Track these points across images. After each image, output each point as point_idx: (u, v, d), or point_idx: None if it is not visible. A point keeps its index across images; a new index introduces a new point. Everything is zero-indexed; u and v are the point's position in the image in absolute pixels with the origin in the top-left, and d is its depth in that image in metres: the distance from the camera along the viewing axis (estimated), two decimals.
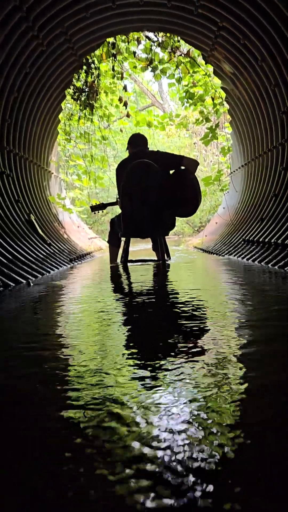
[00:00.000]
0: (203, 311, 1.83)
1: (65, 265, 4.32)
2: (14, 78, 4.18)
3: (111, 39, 5.39)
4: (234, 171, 6.39)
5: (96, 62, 5.50)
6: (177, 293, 2.41)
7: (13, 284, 2.76)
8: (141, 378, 1.02)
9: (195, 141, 12.74)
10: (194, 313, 1.78)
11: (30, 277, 3.11)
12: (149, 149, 4.38)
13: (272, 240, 3.69)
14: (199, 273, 3.76)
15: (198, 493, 0.59)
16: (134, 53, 5.49)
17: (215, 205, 9.81)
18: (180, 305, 1.97)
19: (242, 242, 4.66)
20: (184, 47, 5.57)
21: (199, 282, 3.00)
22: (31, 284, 2.78)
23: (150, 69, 5.52)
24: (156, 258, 4.62)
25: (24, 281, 2.92)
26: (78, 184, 6.99)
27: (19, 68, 4.21)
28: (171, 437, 0.74)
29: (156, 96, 14.33)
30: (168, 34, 5.28)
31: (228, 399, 0.88)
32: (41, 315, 1.91)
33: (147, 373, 1.05)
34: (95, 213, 4.74)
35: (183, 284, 2.88)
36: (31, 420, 0.87)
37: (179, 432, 0.76)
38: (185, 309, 1.86)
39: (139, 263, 4.44)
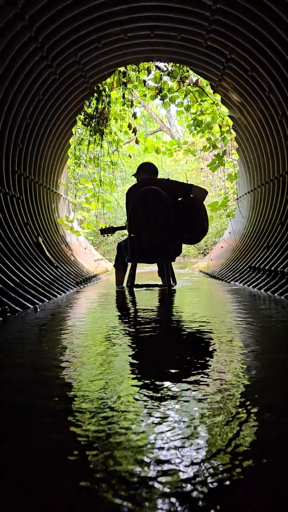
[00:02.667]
0: (209, 341, 1.83)
1: (71, 288, 4.34)
2: (27, 105, 4.30)
3: (122, 68, 5.54)
4: (241, 197, 6.44)
5: (107, 89, 5.64)
6: (183, 322, 2.42)
7: (21, 310, 2.78)
8: (145, 409, 1.03)
9: (202, 167, 12.91)
10: (199, 343, 1.78)
11: (37, 301, 3.13)
12: (158, 177, 4.45)
13: (279, 269, 3.70)
14: (205, 301, 3.76)
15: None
16: (144, 82, 5.64)
17: (220, 228, 9.86)
18: (186, 335, 1.98)
19: (248, 269, 4.67)
20: (193, 76, 5.71)
21: (205, 311, 3.00)
22: (38, 310, 2.79)
23: (159, 97, 5.65)
24: (161, 283, 4.63)
25: (31, 306, 2.94)
26: (86, 207, 7.07)
27: (32, 95, 4.33)
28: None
29: (164, 121, 14.59)
30: (177, 64, 5.42)
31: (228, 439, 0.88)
32: (46, 345, 1.93)
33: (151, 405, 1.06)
34: (104, 236, 4.80)
35: (189, 312, 2.89)
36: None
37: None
38: (191, 339, 1.86)
39: (145, 288, 4.45)
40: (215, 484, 0.75)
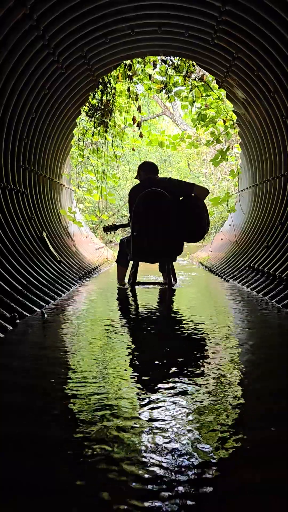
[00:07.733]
0: (207, 345, 1.95)
1: (74, 284, 4.44)
2: (33, 100, 4.31)
3: (127, 61, 5.51)
4: (242, 191, 6.50)
5: (112, 82, 5.62)
6: (184, 323, 2.55)
7: (29, 315, 2.88)
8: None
9: (204, 158, 12.86)
10: (197, 344, 1.90)
11: (42, 303, 3.24)
12: (159, 176, 4.49)
13: (277, 273, 3.80)
14: (204, 301, 3.89)
15: None
16: (150, 75, 5.60)
17: (220, 217, 9.91)
18: (188, 338, 2.09)
19: (247, 268, 4.77)
20: (199, 71, 5.67)
21: (204, 312, 3.10)
22: (45, 316, 2.88)
23: (164, 91, 5.64)
24: (162, 280, 4.75)
25: (38, 310, 3.05)
26: (88, 197, 7.12)
27: (38, 90, 4.34)
28: None
29: (166, 104, 14.38)
30: (183, 59, 5.39)
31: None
32: (56, 365, 2.04)
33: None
34: (107, 233, 4.89)
35: (188, 311, 3.01)
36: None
37: None
38: (191, 341, 1.98)
39: (147, 286, 4.56)
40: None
